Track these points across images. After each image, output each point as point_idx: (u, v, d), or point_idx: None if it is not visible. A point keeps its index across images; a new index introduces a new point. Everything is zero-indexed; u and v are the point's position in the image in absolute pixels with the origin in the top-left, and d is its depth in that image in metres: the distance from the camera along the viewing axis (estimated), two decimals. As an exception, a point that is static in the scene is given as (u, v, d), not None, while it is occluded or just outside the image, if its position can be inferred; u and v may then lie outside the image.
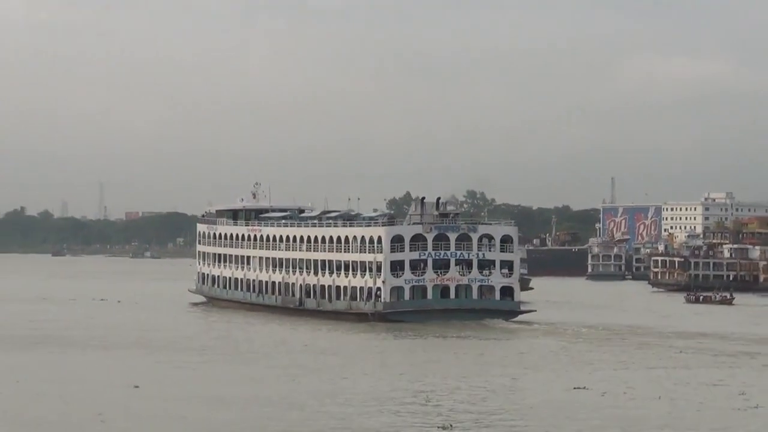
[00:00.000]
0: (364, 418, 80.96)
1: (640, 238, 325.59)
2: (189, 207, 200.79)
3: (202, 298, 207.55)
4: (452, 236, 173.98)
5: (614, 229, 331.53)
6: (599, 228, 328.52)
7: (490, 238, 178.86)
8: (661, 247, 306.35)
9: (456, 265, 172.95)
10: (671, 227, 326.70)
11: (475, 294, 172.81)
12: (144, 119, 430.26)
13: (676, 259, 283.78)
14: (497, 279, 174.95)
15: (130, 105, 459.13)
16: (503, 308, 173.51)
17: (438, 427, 74.90)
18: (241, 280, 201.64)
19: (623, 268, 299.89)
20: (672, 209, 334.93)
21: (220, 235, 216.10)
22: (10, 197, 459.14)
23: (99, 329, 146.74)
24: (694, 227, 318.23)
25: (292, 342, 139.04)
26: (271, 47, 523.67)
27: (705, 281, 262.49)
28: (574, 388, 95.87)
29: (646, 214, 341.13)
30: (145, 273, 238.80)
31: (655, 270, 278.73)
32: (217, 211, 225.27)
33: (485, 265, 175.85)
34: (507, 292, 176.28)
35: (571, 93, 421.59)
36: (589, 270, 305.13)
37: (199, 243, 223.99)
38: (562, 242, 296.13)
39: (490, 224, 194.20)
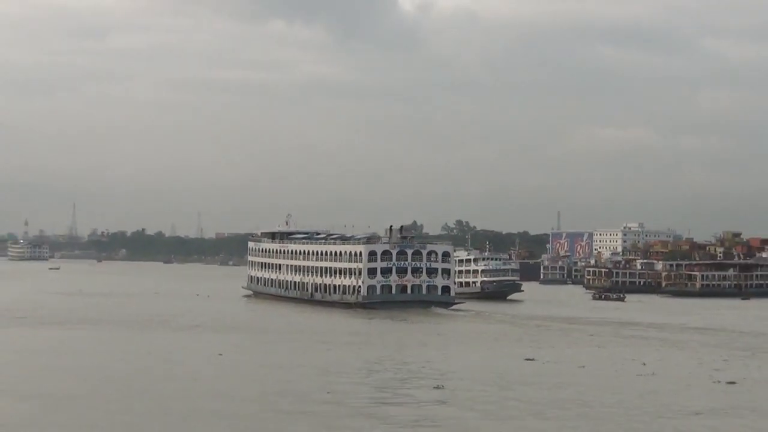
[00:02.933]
0: (373, 375, 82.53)
1: (577, 255, 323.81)
2: (259, 229, 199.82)
3: (250, 293, 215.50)
4: (409, 252, 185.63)
5: (559, 249, 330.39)
6: (549, 247, 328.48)
7: (435, 253, 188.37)
8: (592, 261, 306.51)
9: (411, 271, 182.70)
10: (599, 247, 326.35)
11: (424, 291, 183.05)
12: (226, 163, 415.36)
13: (603, 270, 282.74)
14: (439, 281, 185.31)
15: (217, 153, 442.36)
16: (444, 300, 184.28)
17: (434, 387, 73.95)
18: (274, 280, 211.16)
19: (565, 276, 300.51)
20: (600, 234, 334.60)
21: (262, 249, 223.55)
22: (135, 221, 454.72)
23: (188, 315, 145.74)
24: (616, 247, 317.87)
25: (307, 323, 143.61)
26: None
27: (623, 286, 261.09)
28: (525, 360, 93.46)
29: (582, 238, 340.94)
30: (223, 276, 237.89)
31: (588, 277, 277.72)
32: (261, 233, 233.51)
33: (431, 271, 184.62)
34: (446, 289, 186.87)
35: (535, 149, 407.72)
36: (541, 277, 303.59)
37: (249, 255, 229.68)
38: (523, 257, 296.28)
39: (435, 244, 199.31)
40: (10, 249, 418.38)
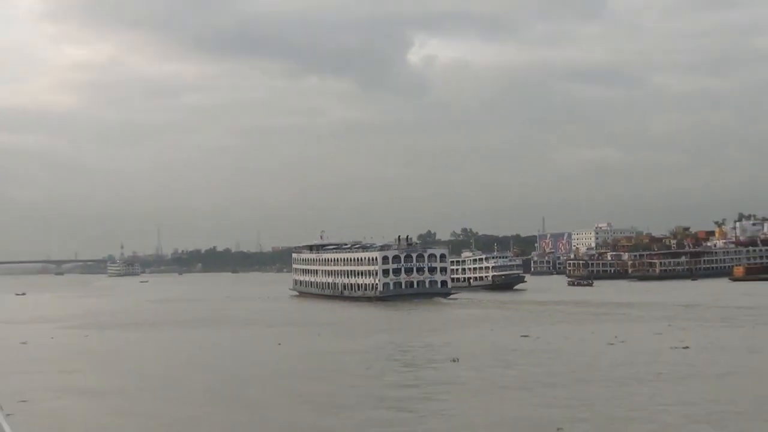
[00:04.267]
0: (400, 354, 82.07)
1: (560, 251, 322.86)
2: (302, 242, 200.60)
3: (296, 293, 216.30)
4: (414, 255, 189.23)
5: (545, 247, 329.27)
6: (537, 246, 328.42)
7: (434, 255, 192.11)
8: (572, 256, 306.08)
9: (416, 270, 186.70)
10: (577, 244, 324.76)
11: (427, 285, 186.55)
12: (276, 189, 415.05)
13: (580, 262, 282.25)
14: (438, 277, 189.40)
15: (269, 182, 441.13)
16: (442, 292, 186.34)
17: (450, 360, 74.03)
18: (313, 282, 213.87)
19: (551, 268, 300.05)
20: (577, 234, 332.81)
21: (303, 259, 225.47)
22: (208, 241, 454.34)
23: (251, 313, 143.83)
24: (590, 244, 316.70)
25: (340, 315, 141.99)
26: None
27: (597, 274, 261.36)
28: (521, 336, 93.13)
29: (563, 237, 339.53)
30: (276, 281, 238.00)
31: (569, 269, 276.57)
32: (303, 246, 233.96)
33: (432, 270, 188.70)
34: (444, 283, 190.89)
35: (523, 167, 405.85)
36: (532, 270, 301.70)
37: (294, 263, 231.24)
38: (517, 255, 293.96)
39: (434, 249, 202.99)
40: (109, 267, 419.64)
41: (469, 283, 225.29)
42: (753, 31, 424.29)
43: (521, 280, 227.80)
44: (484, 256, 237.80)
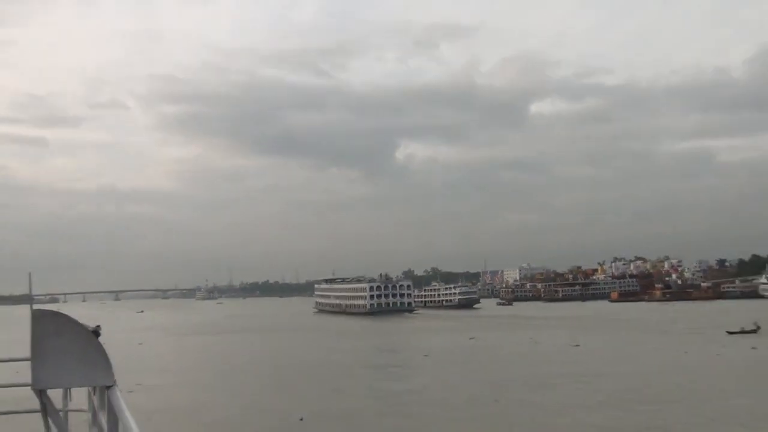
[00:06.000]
0: (386, 351, 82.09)
1: (496, 282, 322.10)
2: (325, 276, 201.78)
3: (316, 310, 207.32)
4: (390, 285, 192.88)
5: (486, 279, 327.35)
6: (481, 279, 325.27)
7: (403, 285, 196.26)
8: (504, 286, 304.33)
9: (391, 295, 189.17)
10: (507, 278, 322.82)
11: (398, 305, 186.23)
12: (308, 240, 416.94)
13: (510, 289, 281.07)
14: (405, 300, 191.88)
15: (304, 235, 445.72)
16: (408, 309, 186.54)
17: (423, 356, 73.77)
18: (327, 303, 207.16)
19: (490, 294, 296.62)
20: (507, 271, 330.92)
21: (321, 288, 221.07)
22: (263, 275, 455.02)
23: (290, 323, 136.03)
24: (516, 277, 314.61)
25: (344, 325, 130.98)
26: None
27: (520, 298, 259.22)
28: (470, 339, 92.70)
29: (498, 273, 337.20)
30: (307, 303, 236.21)
31: (502, 294, 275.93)
32: (321, 279, 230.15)
33: (401, 295, 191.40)
34: (409, 304, 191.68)
35: (474, 227, 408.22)
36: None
37: (315, 291, 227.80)
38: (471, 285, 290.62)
39: (401, 281, 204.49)
40: (197, 294, 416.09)
41: (442, 303, 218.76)
42: (623, 136, 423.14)
43: (477, 301, 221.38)
44: (452, 285, 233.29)
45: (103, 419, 5.67)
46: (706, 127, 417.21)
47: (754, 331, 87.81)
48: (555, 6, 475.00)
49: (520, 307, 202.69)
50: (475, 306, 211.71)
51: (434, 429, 38.23)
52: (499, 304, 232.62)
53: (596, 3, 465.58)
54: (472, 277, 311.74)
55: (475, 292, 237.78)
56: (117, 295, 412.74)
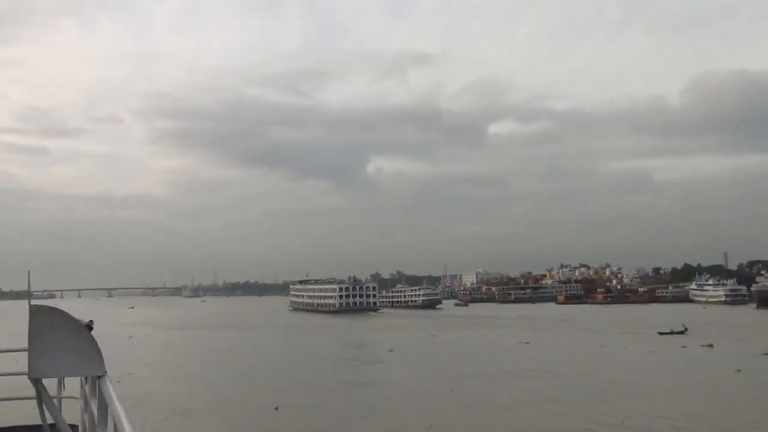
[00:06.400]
0: (358, 346, 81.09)
1: (455, 285, 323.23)
2: (299, 278, 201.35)
3: (291, 308, 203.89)
4: (357, 287, 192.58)
5: (446, 283, 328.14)
6: (441, 282, 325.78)
7: (369, 287, 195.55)
8: (462, 288, 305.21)
9: (358, 296, 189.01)
10: (465, 281, 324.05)
11: (364, 305, 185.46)
12: (286, 245, 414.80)
13: (467, 291, 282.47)
14: (371, 300, 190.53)
15: (282, 241, 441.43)
16: (373, 308, 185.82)
17: (389, 350, 73.49)
18: (301, 302, 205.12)
19: (450, 296, 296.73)
20: (465, 275, 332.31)
21: (296, 288, 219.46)
22: (244, 276, 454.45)
23: (266, 320, 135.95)
24: (473, 281, 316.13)
25: (317, 322, 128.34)
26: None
27: (476, 300, 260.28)
28: (431, 336, 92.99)
29: (457, 277, 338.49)
30: (284, 302, 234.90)
31: (461, 295, 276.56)
32: (296, 281, 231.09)
33: (367, 296, 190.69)
34: (374, 304, 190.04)
35: (435, 236, 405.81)
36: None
37: (291, 291, 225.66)
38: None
39: (368, 282, 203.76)
40: (183, 292, 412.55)
41: (408, 304, 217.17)
42: (571, 156, 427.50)
43: (439, 302, 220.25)
44: (417, 288, 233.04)
45: (93, 406, 5.69)
46: (644, 148, 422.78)
47: (681, 332, 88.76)
48: (512, 39, 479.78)
49: (476, 308, 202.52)
50: (438, 306, 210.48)
51: (398, 413, 38.15)
52: (456, 305, 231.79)
53: (548, 37, 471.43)
54: (434, 281, 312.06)
55: (437, 294, 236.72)
56: (110, 292, 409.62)
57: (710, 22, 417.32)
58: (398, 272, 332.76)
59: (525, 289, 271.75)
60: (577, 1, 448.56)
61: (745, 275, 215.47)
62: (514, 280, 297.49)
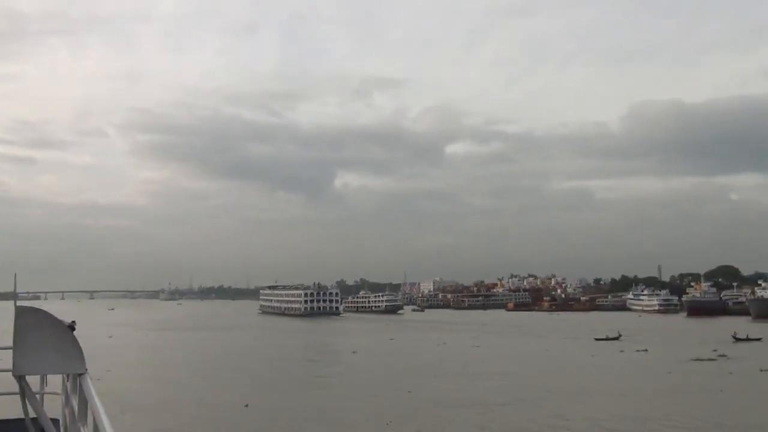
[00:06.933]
0: (321, 348, 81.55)
1: (414, 292, 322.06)
2: (269, 283, 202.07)
3: (261, 312, 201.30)
4: (321, 292, 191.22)
5: (406, 289, 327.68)
6: (401, 289, 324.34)
7: (332, 293, 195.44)
8: (420, 295, 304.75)
9: (322, 300, 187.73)
10: (423, 288, 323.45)
11: (328, 309, 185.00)
12: (258, 254, 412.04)
13: (425, 298, 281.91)
14: (334, 304, 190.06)
15: (254, 250, 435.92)
16: (336, 313, 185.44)
17: (352, 352, 73.66)
18: (269, 306, 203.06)
19: (410, 301, 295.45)
20: (423, 283, 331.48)
21: (265, 293, 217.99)
22: (218, 281, 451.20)
23: (237, 322, 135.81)
24: (431, 288, 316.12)
25: (285, 325, 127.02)
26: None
27: (433, 306, 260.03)
28: (390, 339, 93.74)
29: (416, 284, 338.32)
30: (253, 306, 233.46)
31: (419, 302, 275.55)
32: (265, 286, 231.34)
33: (331, 301, 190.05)
34: (337, 308, 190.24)
35: (395, 246, 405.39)
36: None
37: (261, 295, 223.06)
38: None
39: (331, 289, 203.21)
40: (160, 295, 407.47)
41: (372, 309, 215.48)
42: (521, 175, 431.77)
43: (401, 308, 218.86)
44: (381, 294, 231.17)
45: (74, 402, 5.67)
46: (587, 170, 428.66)
47: (616, 338, 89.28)
48: (470, 66, 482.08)
49: (433, 314, 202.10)
50: (399, 312, 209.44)
51: (359, 411, 38.05)
52: (413, 310, 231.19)
53: (502, 67, 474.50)
54: (394, 288, 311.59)
55: (399, 300, 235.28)
56: (92, 294, 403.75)
57: (650, 56, 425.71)
58: (362, 279, 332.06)
59: (478, 296, 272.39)
60: (531, 32, 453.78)
61: (677, 286, 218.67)
62: (468, 288, 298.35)
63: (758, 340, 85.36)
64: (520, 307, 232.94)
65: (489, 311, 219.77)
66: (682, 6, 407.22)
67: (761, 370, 55.60)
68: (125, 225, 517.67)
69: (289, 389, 46.70)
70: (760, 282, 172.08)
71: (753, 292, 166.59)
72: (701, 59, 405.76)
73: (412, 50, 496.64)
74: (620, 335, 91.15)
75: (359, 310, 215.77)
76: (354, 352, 73.81)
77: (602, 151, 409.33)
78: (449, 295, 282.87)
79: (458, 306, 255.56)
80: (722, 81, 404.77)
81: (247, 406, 39.22)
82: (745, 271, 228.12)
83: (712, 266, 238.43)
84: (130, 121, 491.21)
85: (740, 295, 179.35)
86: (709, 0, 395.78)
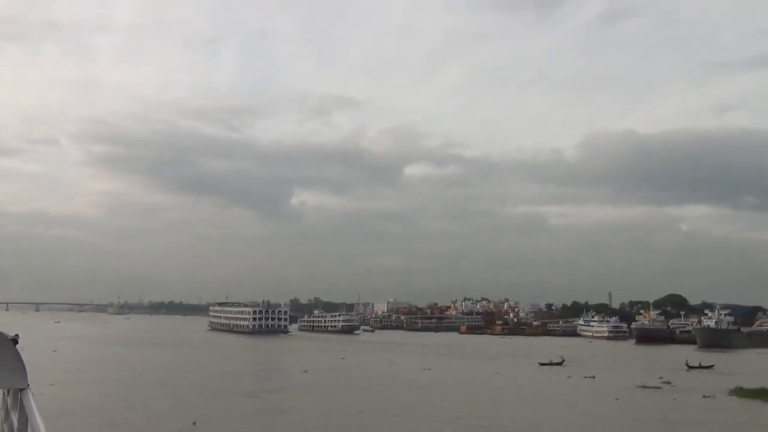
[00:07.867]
0: (269, 366, 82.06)
1: (367, 313, 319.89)
2: (219, 300, 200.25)
3: (210, 328, 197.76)
4: (269, 310, 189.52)
5: (359, 310, 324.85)
6: (355, 309, 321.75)
7: (281, 311, 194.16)
8: (374, 316, 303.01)
9: (270, 318, 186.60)
10: (377, 310, 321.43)
11: (276, 327, 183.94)
12: (210, 268, 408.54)
13: (378, 319, 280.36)
14: (282, 323, 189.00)
15: (206, 266, 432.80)
16: (284, 331, 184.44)
17: (303, 371, 72.94)
18: (218, 322, 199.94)
19: (363, 322, 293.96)
20: (377, 304, 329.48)
21: (215, 309, 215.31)
22: (169, 296, 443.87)
23: (187, 338, 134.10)
24: (384, 309, 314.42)
25: (231, 341, 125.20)
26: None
27: (387, 326, 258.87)
28: (341, 359, 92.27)
29: (370, 305, 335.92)
30: (203, 322, 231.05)
31: (372, 322, 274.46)
32: (215, 302, 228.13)
33: (279, 319, 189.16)
34: (285, 326, 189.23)
35: (351, 267, 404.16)
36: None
37: (210, 312, 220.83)
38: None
39: (280, 307, 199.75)
40: (109, 309, 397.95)
41: (327, 328, 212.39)
42: (476, 198, 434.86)
43: (357, 328, 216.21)
44: (337, 314, 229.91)
45: (14, 418, 5.63)
46: (542, 196, 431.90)
47: (559, 363, 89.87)
48: (429, 90, 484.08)
49: (385, 335, 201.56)
50: (356, 332, 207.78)
51: (309, 428, 38.11)
52: (364, 330, 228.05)
53: (461, 91, 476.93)
54: (349, 308, 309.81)
55: (355, 320, 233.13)
56: (38, 306, 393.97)
57: (606, 86, 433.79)
58: (315, 298, 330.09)
59: (431, 318, 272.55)
60: (489, 59, 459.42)
61: (626, 314, 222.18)
62: (421, 310, 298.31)
63: (710, 367, 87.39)
64: (472, 330, 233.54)
65: (441, 334, 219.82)
66: (637, 40, 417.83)
67: (704, 397, 57.27)
68: (75, 236, 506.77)
69: (237, 406, 46.35)
70: (706, 312, 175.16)
71: (699, 322, 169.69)
72: (655, 91, 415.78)
73: (372, 71, 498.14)
74: (563, 360, 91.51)
75: (315, 329, 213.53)
76: (306, 371, 73.28)
77: (557, 177, 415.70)
78: (402, 317, 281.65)
79: (411, 327, 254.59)
80: (675, 114, 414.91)
81: (194, 423, 38.86)
82: (693, 300, 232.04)
83: (661, 294, 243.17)
84: (84, 131, 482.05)
85: (687, 324, 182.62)
86: (662, 36, 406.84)
